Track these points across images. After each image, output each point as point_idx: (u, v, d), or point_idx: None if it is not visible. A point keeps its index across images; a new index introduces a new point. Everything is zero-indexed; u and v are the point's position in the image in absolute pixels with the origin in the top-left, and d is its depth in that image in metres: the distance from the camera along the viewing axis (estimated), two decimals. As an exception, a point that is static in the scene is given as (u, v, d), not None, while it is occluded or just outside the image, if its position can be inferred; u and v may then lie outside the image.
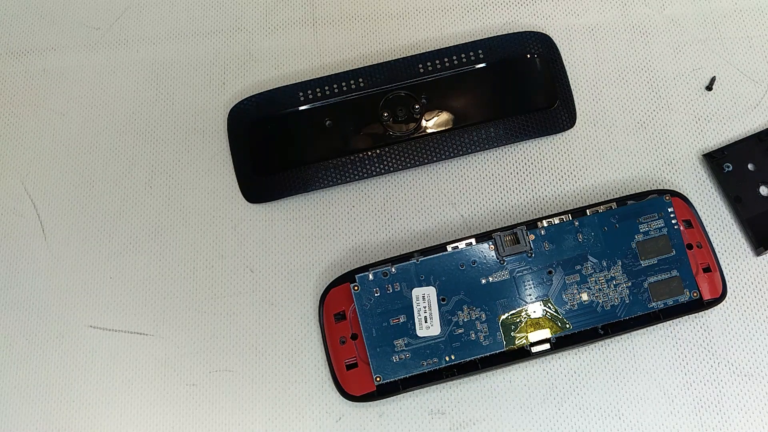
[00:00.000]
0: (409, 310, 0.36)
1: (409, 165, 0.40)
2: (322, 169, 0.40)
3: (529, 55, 0.41)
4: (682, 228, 0.37)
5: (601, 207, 0.37)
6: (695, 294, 0.36)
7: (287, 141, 0.40)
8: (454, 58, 0.41)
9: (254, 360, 0.39)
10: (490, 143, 0.40)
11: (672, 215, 0.37)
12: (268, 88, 0.41)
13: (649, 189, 0.39)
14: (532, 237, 0.37)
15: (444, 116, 0.40)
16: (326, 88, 0.40)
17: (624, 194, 0.39)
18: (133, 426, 0.38)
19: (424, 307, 0.36)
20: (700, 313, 0.38)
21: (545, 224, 0.37)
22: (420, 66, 0.40)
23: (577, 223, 0.37)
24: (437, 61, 0.41)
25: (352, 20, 0.44)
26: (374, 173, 0.40)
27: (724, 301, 0.37)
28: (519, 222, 0.37)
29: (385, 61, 0.41)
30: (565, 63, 0.42)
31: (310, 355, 0.38)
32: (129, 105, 0.43)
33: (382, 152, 0.40)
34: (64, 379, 0.39)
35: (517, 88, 0.41)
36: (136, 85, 0.43)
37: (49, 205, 0.42)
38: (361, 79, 0.40)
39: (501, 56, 0.41)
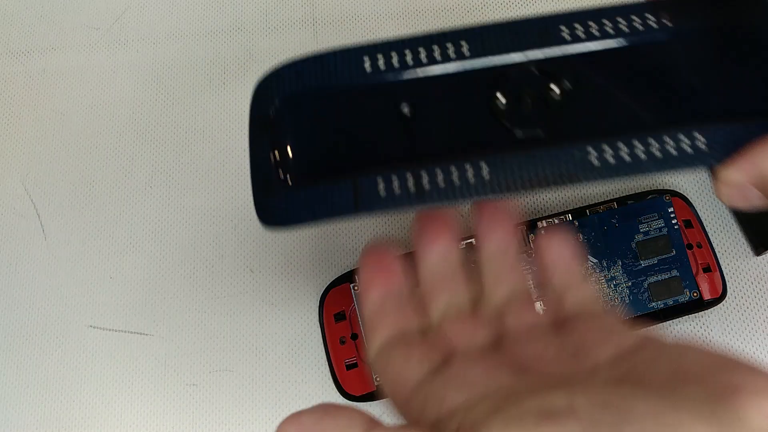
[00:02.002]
0: (409, 310, 0.36)
1: (538, 185, 0.23)
2: (391, 181, 0.24)
3: None
4: (682, 228, 0.37)
5: (601, 207, 0.37)
6: (695, 294, 0.36)
7: (338, 134, 0.26)
8: (622, 19, 0.25)
9: (254, 360, 0.39)
10: (687, 161, 0.23)
11: (672, 215, 0.37)
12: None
13: (649, 189, 0.39)
14: (532, 237, 0.37)
15: (602, 112, 0.25)
16: (408, 54, 0.26)
17: (624, 194, 0.39)
18: (133, 426, 0.38)
19: (424, 307, 0.36)
20: (700, 313, 0.37)
21: (545, 224, 0.37)
22: (564, 28, 0.25)
23: (577, 223, 0.37)
24: (593, 24, 0.25)
25: (352, 20, 0.44)
26: (479, 193, 0.23)
27: (724, 301, 0.37)
28: (519, 222, 0.37)
29: (504, 20, 0.26)
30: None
31: (310, 355, 0.38)
32: (129, 105, 0.43)
33: (493, 161, 0.23)
34: (63, 379, 0.39)
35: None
36: (136, 85, 0.43)
37: (49, 204, 0.42)
38: (464, 44, 0.26)
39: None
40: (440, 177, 0.24)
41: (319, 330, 0.39)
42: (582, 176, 0.23)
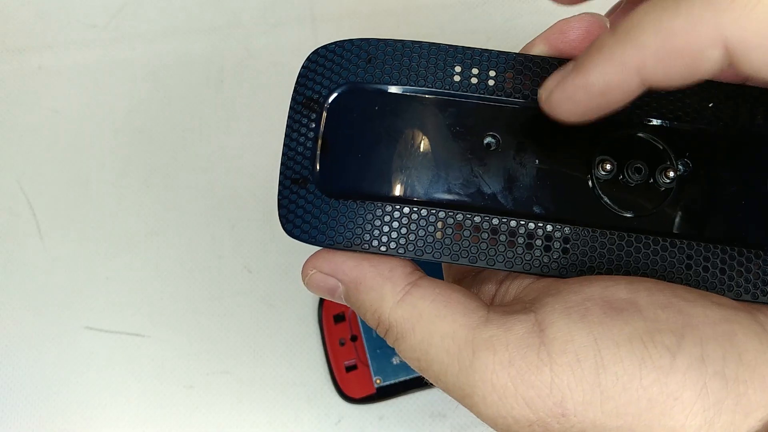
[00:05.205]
0: (409, 312, 0.35)
1: (615, 272, 0.19)
2: (458, 225, 0.20)
3: None
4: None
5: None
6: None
7: (398, 148, 0.21)
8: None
9: (252, 362, 0.38)
10: None
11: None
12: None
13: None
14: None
15: (711, 210, 0.20)
16: (511, 75, 0.21)
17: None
18: (130, 428, 0.38)
19: (425, 308, 0.35)
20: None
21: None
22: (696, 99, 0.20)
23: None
24: (731, 102, 0.20)
25: (351, 17, 0.44)
26: (539, 268, 0.19)
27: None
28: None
29: None
30: (567, 61, 0.41)
31: (309, 357, 0.38)
32: (126, 103, 0.43)
33: (576, 235, 0.19)
34: (60, 381, 0.38)
35: None
36: (133, 83, 0.43)
37: (45, 204, 0.41)
38: None
39: None
40: (508, 237, 0.19)
41: (318, 331, 0.38)
42: (664, 277, 0.19)
